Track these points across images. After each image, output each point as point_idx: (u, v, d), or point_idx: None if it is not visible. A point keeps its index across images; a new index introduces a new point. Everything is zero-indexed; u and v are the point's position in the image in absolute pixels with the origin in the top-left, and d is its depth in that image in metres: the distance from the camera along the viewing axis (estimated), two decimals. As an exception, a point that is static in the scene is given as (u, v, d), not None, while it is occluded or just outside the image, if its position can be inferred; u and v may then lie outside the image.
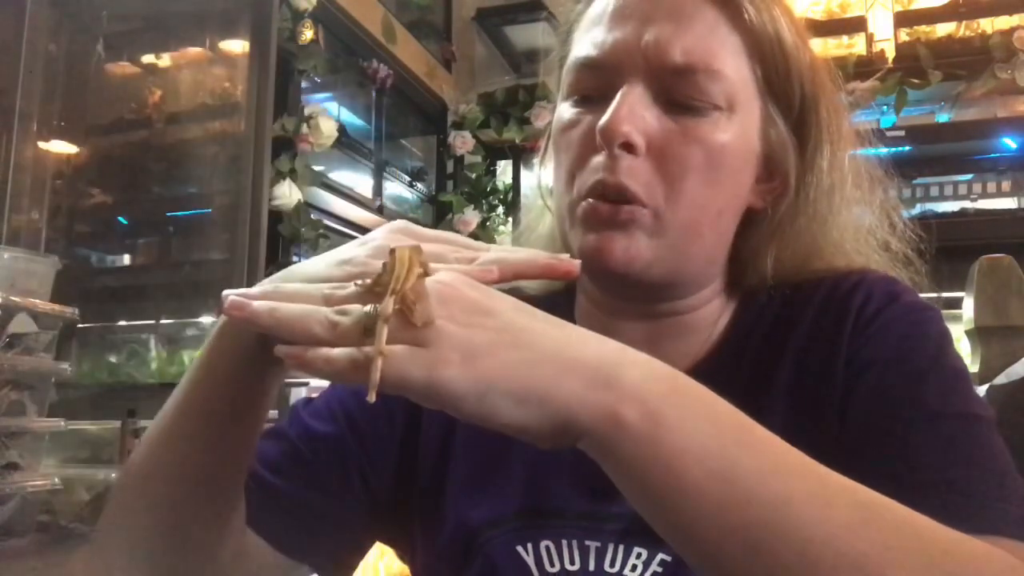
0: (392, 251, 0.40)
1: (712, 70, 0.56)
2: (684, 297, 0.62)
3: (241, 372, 0.50)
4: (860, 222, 0.64)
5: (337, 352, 0.37)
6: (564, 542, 0.57)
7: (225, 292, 0.42)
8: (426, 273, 0.40)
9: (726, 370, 0.59)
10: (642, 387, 0.37)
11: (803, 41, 0.62)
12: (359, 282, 0.41)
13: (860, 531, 0.36)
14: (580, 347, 0.39)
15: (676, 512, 0.37)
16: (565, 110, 0.62)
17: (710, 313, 0.63)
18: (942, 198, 3.07)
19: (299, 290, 0.42)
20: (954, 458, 0.48)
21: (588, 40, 0.60)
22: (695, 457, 0.36)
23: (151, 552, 0.54)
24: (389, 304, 0.37)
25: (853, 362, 0.55)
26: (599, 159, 0.57)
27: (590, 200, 0.57)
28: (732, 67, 0.57)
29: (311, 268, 0.46)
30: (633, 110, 0.55)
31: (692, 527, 0.37)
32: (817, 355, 0.57)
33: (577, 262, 0.40)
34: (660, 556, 0.55)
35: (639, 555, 0.55)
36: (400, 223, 0.48)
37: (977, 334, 1.14)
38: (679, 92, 0.57)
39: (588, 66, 0.60)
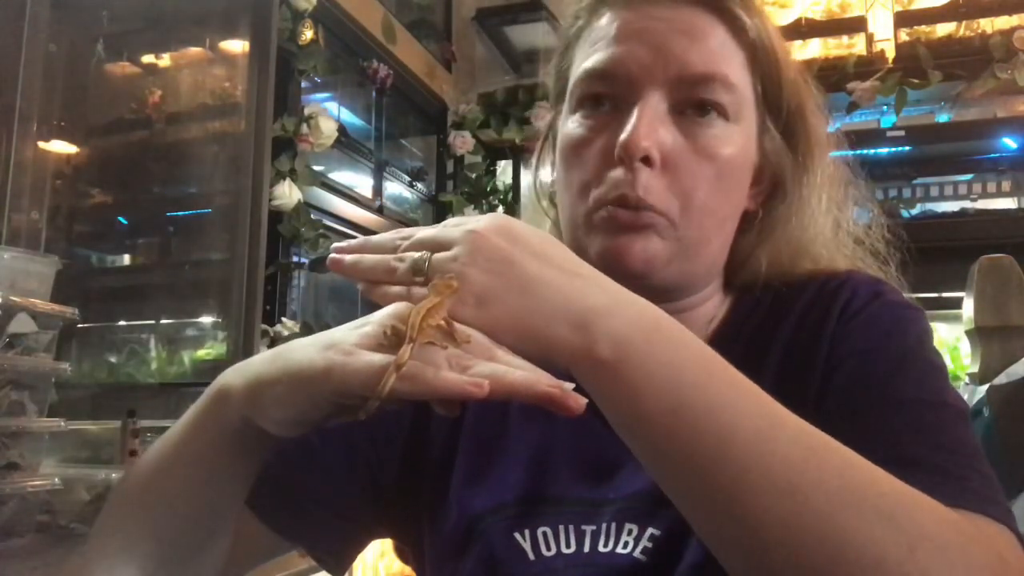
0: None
1: (728, 81, 0.60)
2: (687, 296, 0.65)
3: (224, 452, 0.52)
4: (840, 220, 0.69)
5: (394, 289, 0.47)
6: (561, 527, 0.59)
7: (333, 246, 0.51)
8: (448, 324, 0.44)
9: None
10: (619, 332, 0.42)
11: (788, 51, 0.66)
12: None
13: (798, 466, 0.40)
14: (578, 295, 0.44)
15: (638, 437, 0.43)
16: (574, 124, 0.63)
17: (707, 310, 0.66)
18: (942, 198, 3.07)
19: (380, 242, 0.51)
20: (923, 440, 0.50)
21: (599, 52, 0.62)
22: (652, 392, 0.42)
23: (141, 565, 0.56)
24: (406, 352, 0.41)
25: (835, 352, 0.58)
26: (617, 173, 0.59)
27: (609, 207, 0.59)
28: (740, 80, 0.61)
29: None
30: (652, 125, 0.58)
31: (650, 451, 0.43)
32: (803, 345, 0.60)
33: (584, 401, 0.40)
34: (650, 531, 0.56)
35: (630, 531, 0.57)
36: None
37: (977, 334, 1.14)
38: (695, 100, 0.60)
39: (601, 76, 0.61)
